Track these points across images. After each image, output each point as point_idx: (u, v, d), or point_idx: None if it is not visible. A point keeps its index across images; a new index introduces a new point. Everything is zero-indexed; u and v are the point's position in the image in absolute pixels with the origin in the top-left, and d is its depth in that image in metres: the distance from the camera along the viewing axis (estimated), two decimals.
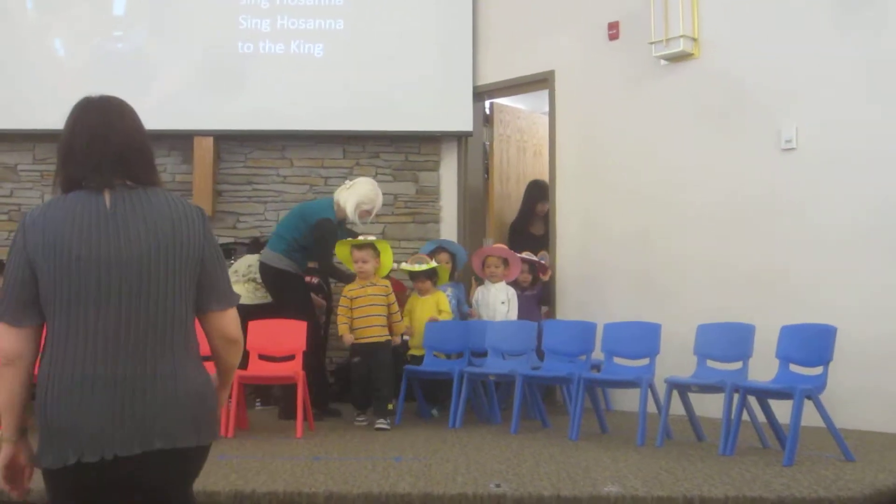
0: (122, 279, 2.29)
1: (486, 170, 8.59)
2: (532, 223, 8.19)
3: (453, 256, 6.95)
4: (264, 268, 6.47)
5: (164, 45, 8.28)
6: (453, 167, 8.34)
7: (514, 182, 8.72)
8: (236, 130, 8.27)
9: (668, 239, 6.76)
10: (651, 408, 5.31)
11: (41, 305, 2.30)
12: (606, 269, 7.14)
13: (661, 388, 5.34)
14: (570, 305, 7.38)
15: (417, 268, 6.59)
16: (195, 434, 2.36)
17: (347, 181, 6.72)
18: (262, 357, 5.84)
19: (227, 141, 8.36)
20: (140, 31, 8.35)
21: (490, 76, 8.19)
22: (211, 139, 8.20)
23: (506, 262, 6.89)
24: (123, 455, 2.25)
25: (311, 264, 6.77)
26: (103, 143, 2.46)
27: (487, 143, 8.58)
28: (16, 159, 8.37)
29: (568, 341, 5.93)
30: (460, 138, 8.36)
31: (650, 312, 6.14)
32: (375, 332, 5.98)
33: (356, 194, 6.51)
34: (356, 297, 6.05)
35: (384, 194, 7.67)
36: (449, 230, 8.17)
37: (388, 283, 6.27)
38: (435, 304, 6.58)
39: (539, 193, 8.15)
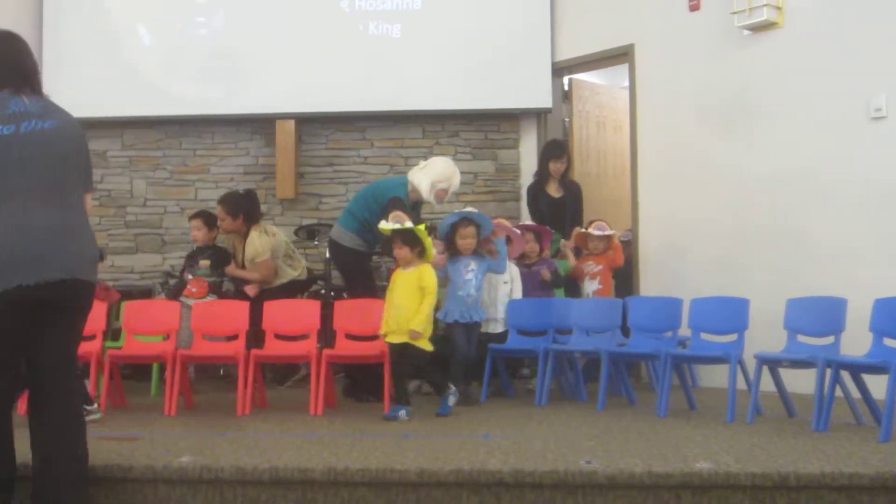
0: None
1: (568, 147, 8.52)
2: (548, 184, 7.51)
3: (479, 228, 6.09)
4: (334, 245, 6.33)
5: (244, 30, 8.41)
6: (533, 144, 8.32)
7: (593, 159, 8.65)
8: (317, 113, 8.37)
9: (755, 212, 6.65)
10: (739, 384, 5.23)
11: None
12: (690, 245, 7.05)
13: (749, 364, 5.27)
14: (653, 281, 7.31)
15: (387, 227, 5.55)
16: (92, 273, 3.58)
17: (422, 161, 6.52)
18: (348, 336, 5.91)
19: (308, 123, 8.47)
20: (221, 17, 8.48)
21: (569, 52, 8.13)
22: (292, 122, 8.31)
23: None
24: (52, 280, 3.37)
25: None
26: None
27: (567, 119, 8.52)
28: (105, 146, 8.58)
29: (653, 317, 5.87)
30: (539, 115, 8.33)
31: (735, 287, 6.02)
32: None
33: (431, 173, 6.24)
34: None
35: (463, 173, 7.67)
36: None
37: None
38: (416, 282, 5.44)
39: (551, 151, 7.55)
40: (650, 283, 7.32)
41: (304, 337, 5.93)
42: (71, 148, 3.56)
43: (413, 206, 6.23)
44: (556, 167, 7.41)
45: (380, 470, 3.73)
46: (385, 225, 5.55)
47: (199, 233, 6.94)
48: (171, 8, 8.53)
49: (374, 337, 5.76)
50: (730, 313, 5.44)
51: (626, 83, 7.95)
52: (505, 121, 8.34)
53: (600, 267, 6.90)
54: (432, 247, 5.61)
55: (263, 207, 8.41)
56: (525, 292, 6.54)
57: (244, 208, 7.00)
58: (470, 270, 6.00)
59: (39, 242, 3.38)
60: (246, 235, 6.97)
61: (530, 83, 8.18)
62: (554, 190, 7.47)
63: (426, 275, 5.45)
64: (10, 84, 3.52)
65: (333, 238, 6.35)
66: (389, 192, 6.17)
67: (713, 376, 6.52)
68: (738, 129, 6.80)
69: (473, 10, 8.25)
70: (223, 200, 7.07)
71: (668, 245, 7.24)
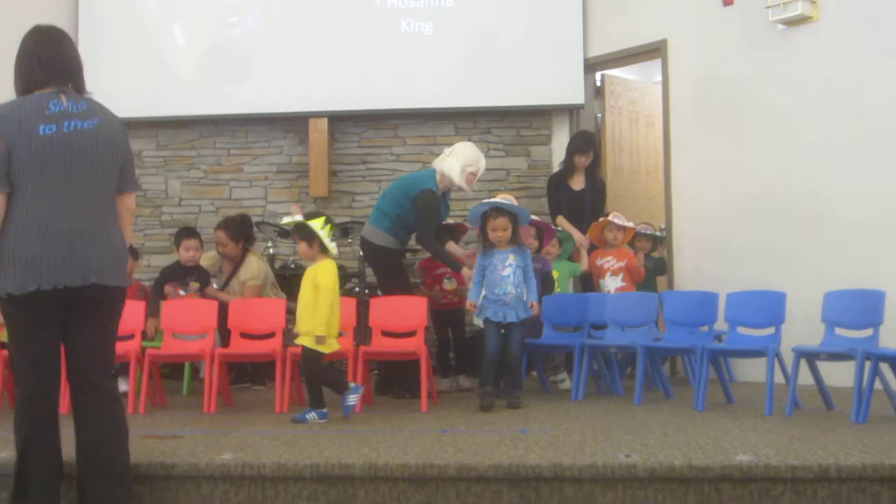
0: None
1: (599, 142, 8.50)
2: (571, 177, 7.37)
3: (514, 218, 5.60)
4: (367, 244, 6.31)
5: (277, 29, 8.46)
6: (565, 141, 8.26)
7: (626, 154, 8.63)
8: (350, 111, 8.41)
9: (790, 206, 6.61)
10: (776, 378, 5.20)
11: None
12: (725, 239, 7.01)
13: (786, 358, 5.24)
14: (687, 275, 7.29)
15: (286, 221, 5.34)
16: (119, 276, 3.57)
17: (446, 149, 6.45)
18: (384, 333, 5.94)
19: (341, 122, 8.52)
20: (254, 16, 8.54)
21: (601, 48, 8.11)
22: (325, 120, 8.36)
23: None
24: (71, 286, 3.37)
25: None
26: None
27: (599, 115, 8.50)
28: (140, 146, 8.67)
29: (689, 311, 5.86)
30: (571, 111, 8.32)
31: (771, 281, 6.00)
32: None
33: (459, 158, 6.21)
34: None
35: (495, 170, 7.71)
36: None
37: None
38: (312, 279, 5.19)
39: (577, 144, 7.38)
40: (684, 278, 7.29)
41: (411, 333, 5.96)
42: (109, 149, 3.54)
43: (442, 196, 6.26)
44: (580, 160, 7.28)
45: (419, 465, 3.75)
46: (285, 220, 5.42)
47: (196, 253, 6.86)
48: (205, 8, 8.61)
49: (411, 333, 5.79)
50: (767, 307, 5.42)
51: (659, 78, 7.92)
52: (537, 117, 8.33)
53: (622, 263, 6.76)
54: (327, 238, 5.18)
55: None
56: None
57: (244, 233, 7.02)
58: (507, 266, 5.53)
59: (63, 248, 3.39)
60: (241, 258, 6.95)
61: (562, 79, 8.17)
62: (576, 183, 7.35)
63: (321, 271, 5.17)
64: (54, 82, 3.52)
65: (365, 237, 6.32)
66: (419, 185, 6.16)
67: (749, 370, 6.49)
68: (773, 123, 6.76)
69: (505, 6, 8.26)
70: (226, 225, 6.99)
71: (703, 239, 7.21)
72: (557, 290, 6.68)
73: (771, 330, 5.35)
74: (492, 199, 5.68)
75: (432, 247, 6.19)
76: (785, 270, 6.41)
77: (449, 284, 6.52)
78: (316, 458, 3.87)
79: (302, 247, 5.21)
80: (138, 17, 8.62)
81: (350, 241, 7.59)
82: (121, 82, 8.27)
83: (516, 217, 5.58)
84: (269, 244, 7.50)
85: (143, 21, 8.61)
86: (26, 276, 3.34)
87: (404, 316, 5.83)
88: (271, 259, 7.47)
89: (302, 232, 5.18)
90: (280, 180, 8.61)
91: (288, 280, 7.41)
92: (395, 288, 6.19)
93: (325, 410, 5.07)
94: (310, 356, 5.14)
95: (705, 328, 5.76)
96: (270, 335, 5.99)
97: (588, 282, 7.06)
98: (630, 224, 6.91)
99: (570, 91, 8.18)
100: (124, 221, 3.67)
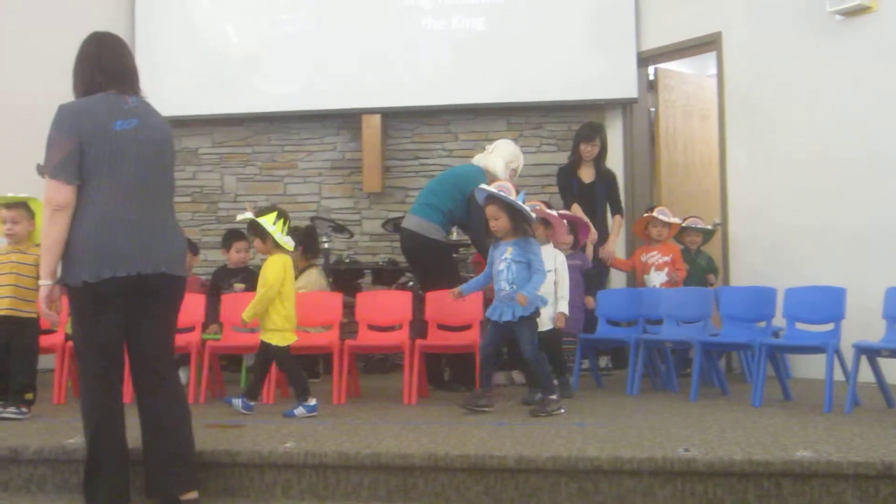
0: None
1: (652, 137, 8.47)
2: (580, 169, 7.20)
3: (509, 209, 5.14)
4: (415, 237, 6.24)
5: (330, 26, 8.53)
6: (618, 135, 8.28)
7: (681, 148, 8.57)
8: (402, 107, 8.46)
9: (847, 200, 6.53)
10: (834, 375, 5.14)
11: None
12: (781, 233, 6.95)
13: (846, 354, 5.18)
14: (744, 270, 7.23)
15: (242, 218, 5.31)
16: (181, 267, 3.75)
17: (487, 146, 6.57)
18: (440, 327, 5.98)
19: (393, 118, 8.57)
20: (307, 14, 8.62)
21: (654, 41, 8.08)
22: (378, 117, 8.41)
23: (546, 222, 5.70)
24: (143, 273, 3.53)
25: None
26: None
27: (653, 109, 8.45)
28: (197, 143, 8.81)
29: (746, 307, 5.80)
30: (625, 105, 8.29)
31: (829, 276, 5.92)
32: (6, 304, 5.17)
33: (502, 155, 6.37)
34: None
35: (547, 165, 7.71)
36: None
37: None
38: (262, 272, 5.26)
39: (582, 133, 7.22)
40: (741, 273, 7.24)
41: (396, 328, 6.01)
42: (165, 149, 3.76)
43: None
44: (586, 149, 7.11)
45: (479, 456, 3.78)
46: (238, 218, 5.38)
47: (245, 255, 6.94)
48: (258, 7, 8.72)
49: (466, 327, 5.82)
50: (826, 302, 5.35)
51: (714, 71, 7.86)
52: (590, 112, 8.31)
53: (667, 258, 6.74)
54: (278, 234, 5.17)
55: (350, 202, 8.59)
56: None
57: (305, 241, 7.04)
58: (503, 260, 5.15)
59: (135, 237, 3.54)
60: (303, 268, 7.00)
61: (615, 73, 8.14)
62: (586, 175, 7.21)
63: (267, 265, 5.21)
64: (114, 86, 3.68)
65: (415, 230, 6.26)
66: (473, 182, 6.09)
67: (806, 367, 6.44)
68: (830, 115, 6.68)
69: (557, 0, 8.24)
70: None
71: (758, 234, 7.15)
72: None
73: (830, 326, 5.28)
74: (485, 187, 5.36)
75: (485, 244, 6.03)
76: (845, 265, 6.33)
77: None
78: (376, 447, 3.92)
79: (257, 243, 5.29)
80: (192, 17, 8.76)
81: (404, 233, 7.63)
82: (177, 81, 8.43)
83: (515, 208, 5.12)
84: (325, 239, 7.56)
85: (197, 21, 8.75)
86: (101, 264, 3.48)
87: (460, 310, 5.85)
88: (326, 253, 7.54)
89: (255, 229, 5.25)
90: (334, 176, 8.69)
91: (342, 274, 7.49)
92: (446, 281, 6.09)
93: (313, 403, 5.07)
94: (274, 351, 5.17)
95: (763, 324, 5.71)
96: (328, 328, 6.06)
97: (632, 277, 7.02)
98: (675, 220, 6.87)
99: (623, 85, 8.16)
100: None
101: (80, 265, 3.49)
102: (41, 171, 3.62)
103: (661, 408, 5.20)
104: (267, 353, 5.21)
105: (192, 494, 3.62)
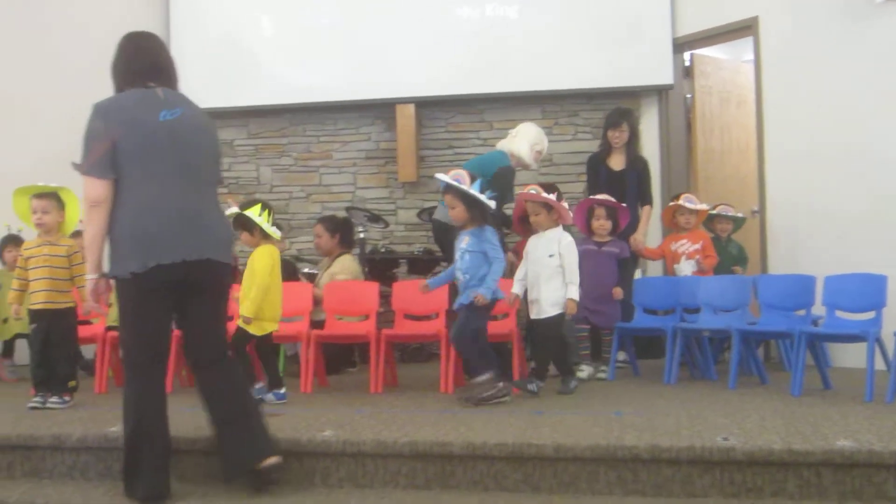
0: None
1: (688, 123, 8.40)
2: (610, 156, 6.96)
3: (464, 196, 5.13)
4: (441, 226, 6.22)
5: (363, 16, 8.54)
6: (654, 122, 8.23)
7: (717, 135, 8.49)
8: (437, 96, 8.45)
9: (888, 185, 6.44)
10: (875, 363, 5.08)
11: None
12: (819, 221, 6.86)
13: (887, 342, 5.13)
14: (782, 258, 7.16)
15: (230, 213, 5.18)
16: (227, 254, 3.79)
17: (510, 131, 6.61)
18: None
19: (428, 107, 8.56)
20: (339, 3, 8.63)
21: (690, 26, 8.01)
22: (412, 106, 8.41)
23: (548, 207, 5.45)
24: (189, 259, 3.56)
25: None
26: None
27: (689, 95, 8.39)
28: (232, 135, 8.86)
29: (785, 295, 5.75)
30: (660, 92, 8.23)
31: (869, 264, 5.83)
32: (43, 298, 5.22)
33: (527, 138, 6.42)
34: (31, 258, 5.30)
35: (583, 153, 7.66)
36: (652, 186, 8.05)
37: (72, 241, 5.40)
38: (250, 263, 5.29)
39: (610, 119, 7.00)
40: (779, 261, 7.17)
41: (432, 317, 6.02)
42: (203, 137, 3.82)
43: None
44: (614, 136, 6.88)
45: (517, 444, 3.79)
46: (228, 211, 5.20)
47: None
48: None
49: (503, 316, 5.82)
50: (866, 290, 5.28)
51: (750, 56, 7.78)
52: (625, 99, 8.24)
53: (697, 245, 6.67)
54: (266, 224, 5.22)
55: (385, 192, 8.60)
56: (595, 273, 5.91)
57: (341, 230, 7.18)
58: (459, 249, 5.25)
59: (177, 224, 3.60)
60: (337, 255, 7.12)
61: (651, 60, 8.08)
62: (616, 163, 6.95)
63: (256, 256, 5.24)
64: (152, 80, 3.76)
65: (440, 219, 6.26)
66: (496, 163, 6.20)
67: (846, 356, 6.38)
68: (869, 101, 6.59)
69: None
70: (324, 220, 7.30)
71: (796, 222, 7.07)
72: None
73: (871, 314, 5.22)
74: (440, 175, 5.34)
75: (508, 221, 6.23)
76: (884, 252, 6.25)
77: None
78: (414, 435, 3.94)
79: (245, 236, 5.27)
80: (227, 8, 8.80)
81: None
82: (212, 74, 8.47)
83: (470, 197, 5.10)
84: (360, 229, 7.59)
85: (232, 13, 8.78)
86: (146, 254, 3.55)
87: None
88: (362, 243, 7.56)
89: (241, 222, 5.24)
90: (369, 166, 8.71)
91: (378, 264, 7.52)
92: None
93: (283, 391, 5.20)
94: (238, 337, 5.14)
95: (802, 312, 5.66)
96: (364, 317, 6.08)
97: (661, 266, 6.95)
98: (702, 206, 6.80)
99: (659, 72, 8.10)
100: None
101: (127, 257, 3.56)
102: (77, 168, 3.67)
103: (698, 397, 5.18)
104: (244, 339, 5.20)
105: (273, 460, 3.69)
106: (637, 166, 6.94)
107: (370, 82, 8.48)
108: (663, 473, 3.70)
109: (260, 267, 5.19)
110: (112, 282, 3.69)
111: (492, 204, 5.17)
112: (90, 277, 3.69)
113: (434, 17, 8.41)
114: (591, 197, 6.37)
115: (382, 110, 8.62)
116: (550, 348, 5.37)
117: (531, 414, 4.56)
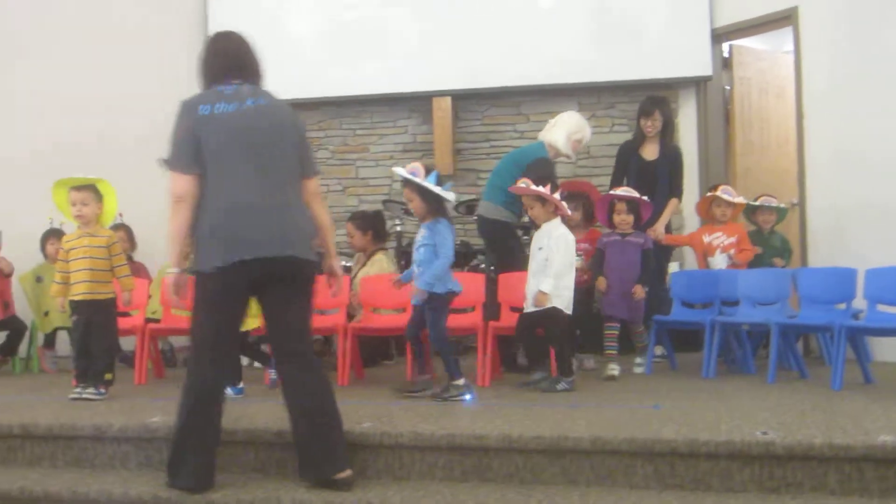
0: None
1: (727, 115, 8.32)
2: (643, 145, 6.86)
3: (420, 189, 5.10)
4: (482, 220, 6.33)
5: (398, 9, 8.54)
6: (692, 114, 8.16)
7: (756, 127, 8.41)
8: (473, 89, 8.44)
9: None
10: None
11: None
12: (860, 214, 6.77)
13: None
14: (822, 251, 7.09)
15: None
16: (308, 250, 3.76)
17: (550, 120, 6.53)
18: (512, 309, 5.97)
19: (464, 100, 8.56)
20: None
21: (728, 17, 7.93)
22: (448, 99, 8.41)
23: (542, 199, 5.38)
24: (269, 256, 3.55)
25: None
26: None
27: (727, 87, 8.31)
28: None
29: (826, 288, 5.69)
30: (698, 84, 8.16)
31: None
32: (83, 289, 5.29)
33: (564, 127, 6.32)
34: (71, 249, 5.37)
35: (618, 146, 7.59)
36: (689, 178, 7.97)
37: (111, 233, 5.52)
38: None
39: (641, 106, 6.90)
40: (820, 254, 7.09)
41: (469, 310, 6.02)
42: (285, 131, 3.83)
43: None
44: (646, 124, 6.77)
45: (553, 437, 3.78)
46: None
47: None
48: None
49: (471, 309, 5.85)
50: None
51: (790, 47, 7.70)
52: (663, 91, 8.14)
53: (732, 239, 6.54)
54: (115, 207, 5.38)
55: None
56: (620, 265, 5.90)
57: (372, 226, 7.10)
58: (415, 242, 5.34)
59: (260, 220, 3.63)
60: (372, 253, 7.06)
61: (688, 51, 8.01)
62: (649, 152, 6.84)
63: None
64: (231, 76, 3.84)
65: (481, 213, 6.36)
66: (531, 154, 6.22)
67: (888, 350, 6.29)
68: None
69: None
70: (354, 218, 7.19)
71: (838, 214, 6.98)
72: None
73: None
74: (397, 169, 5.37)
75: None
76: None
77: (577, 262, 6.00)
78: (451, 428, 3.95)
79: None
80: (263, 4, 8.81)
81: (475, 217, 7.63)
82: None
83: (426, 190, 5.07)
84: (397, 222, 7.60)
85: (269, 6, 8.80)
86: (229, 249, 3.59)
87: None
88: (398, 236, 7.58)
89: None
90: (405, 159, 8.68)
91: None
92: (510, 263, 6.11)
93: (241, 387, 5.27)
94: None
95: (842, 305, 5.59)
96: (400, 311, 6.10)
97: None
98: (740, 199, 6.71)
99: (697, 63, 8.02)
100: (316, 205, 3.95)
101: (210, 252, 3.61)
102: (163, 164, 3.72)
103: (737, 391, 5.14)
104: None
105: (345, 474, 3.70)
106: (670, 157, 6.83)
107: (406, 75, 8.48)
108: (701, 467, 3.67)
109: None
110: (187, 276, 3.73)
111: (450, 196, 5.15)
112: (172, 272, 3.73)
113: (469, 8, 8.38)
114: (611, 192, 6.25)
115: (419, 103, 8.62)
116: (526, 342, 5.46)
117: (569, 407, 4.55)
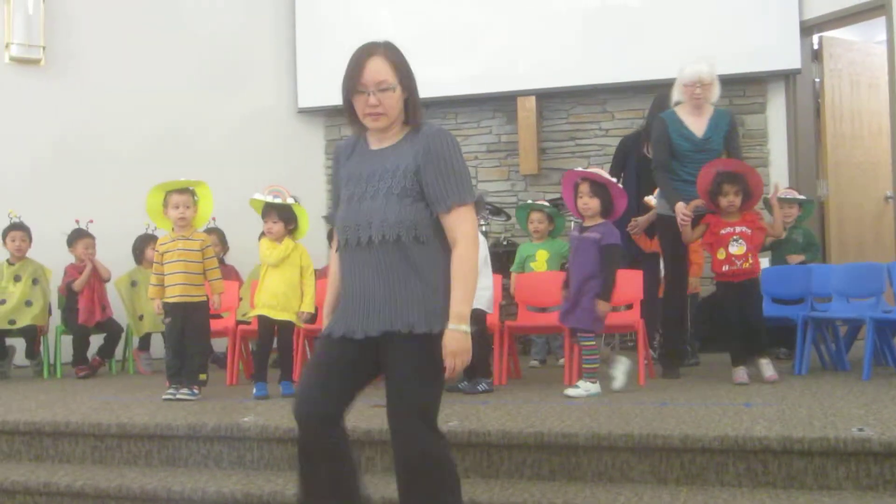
0: None
1: (817, 108, 8.15)
2: (645, 141, 6.49)
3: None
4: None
5: (482, 10, 8.59)
6: (781, 108, 8.03)
7: (848, 120, 8.21)
8: (557, 88, 8.43)
9: None
10: None
11: None
12: None
13: None
14: None
15: (260, 199, 5.40)
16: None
17: None
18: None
19: (548, 99, 8.56)
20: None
21: (818, 8, 7.78)
22: (533, 98, 8.42)
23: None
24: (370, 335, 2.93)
25: None
26: None
27: (817, 80, 8.13)
28: (348, 132, 8.99)
29: None
30: (788, 77, 8.02)
31: None
32: (178, 291, 5.39)
33: (677, 81, 5.82)
34: (166, 252, 5.45)
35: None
36: (779, 173, 7.87)
37: (204, 236, 5.62)
38: (297, 259, 5.47)
39: (654, 105, 6.61)
40: None
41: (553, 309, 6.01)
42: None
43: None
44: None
45: (643, 436, 3.76)
46: (259, 196, 5.36)
47: None
48: None
49: (627, 307, 5.78)
50: None
51: (882, 37, 7.50)
52: (751, 85, 8.07)
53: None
54: (307, 225, 5.50)
55: (507, 184, 8.64)
56: (571, 265, 5.28)
57: None
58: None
59: None
60: None
61: (777, 44, 7.88)
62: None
63: (305, 254, 5.54)
64: None
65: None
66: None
67: None
68: None
69: None
70: None
71: None
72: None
73: None
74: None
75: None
76: None
77: (737, 248, 5.33)
78: (539, 426, 3.95)
79: (279, 226, 5.41)
80: (350, 6, 8.95)
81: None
82: (335, 71, 8.53)
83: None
84: (482, 222, 7.63)
85: (355, 10, 8.92)
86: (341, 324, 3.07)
87: (619, 289, 5.77)
88: (484, 236, 7.59)
89: (284, 213, 5.43)
90: (490, 159, 8.75)
91: (500, 257, 7.54)
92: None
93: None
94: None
95: None
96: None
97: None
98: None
99: (786, 56, 7.89)
100: None
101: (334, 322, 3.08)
102: (458, 200, 2.99)
103: (831, 387, 5.03)
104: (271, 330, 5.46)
105: None
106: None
107: (490, 75, 8.52)
108: (795, 465, 3.61)
109: (308, 263, 5.53)
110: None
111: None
112: (462, 330, 2.90)
113: (552, 6, 8.39)
114: (575, 170, 5.44)
115: (503, 103, 8.65)
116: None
117: (657, 405, 4.52)
